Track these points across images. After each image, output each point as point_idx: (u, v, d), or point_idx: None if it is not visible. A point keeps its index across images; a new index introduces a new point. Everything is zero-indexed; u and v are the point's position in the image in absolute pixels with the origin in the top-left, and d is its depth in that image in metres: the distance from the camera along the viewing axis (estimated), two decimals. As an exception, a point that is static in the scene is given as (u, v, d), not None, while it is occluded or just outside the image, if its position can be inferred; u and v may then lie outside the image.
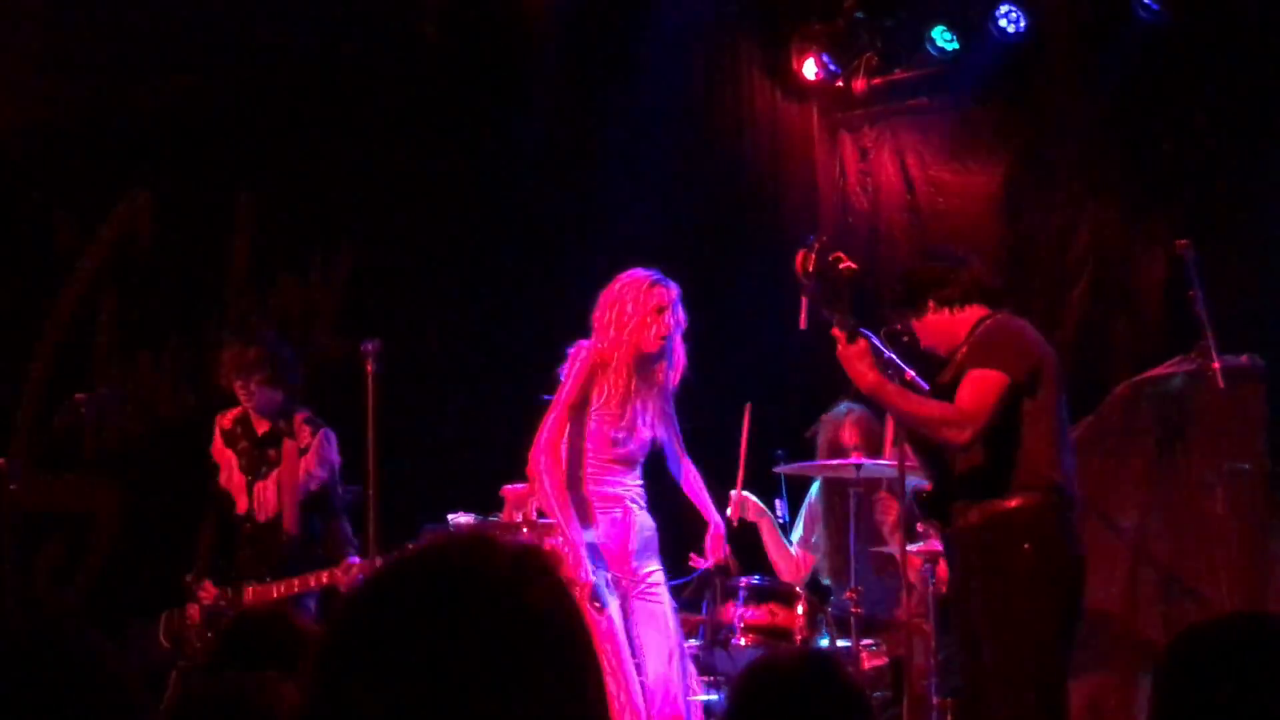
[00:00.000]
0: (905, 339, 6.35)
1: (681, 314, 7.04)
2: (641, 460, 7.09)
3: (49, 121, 10.59)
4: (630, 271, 7.07)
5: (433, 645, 1.68)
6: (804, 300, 6.72)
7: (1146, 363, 8.10)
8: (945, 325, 6.29)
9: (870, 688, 7.06)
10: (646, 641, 6.85)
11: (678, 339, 7.06)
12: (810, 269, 6.03)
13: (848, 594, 7.23)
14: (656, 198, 9.93)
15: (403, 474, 8.05)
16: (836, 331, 6.04)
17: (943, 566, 7.43)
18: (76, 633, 2.31)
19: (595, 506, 6.94)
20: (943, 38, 9.36)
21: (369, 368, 7.36)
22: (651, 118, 9.90)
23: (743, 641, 7.20)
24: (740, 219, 9.79)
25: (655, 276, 7.01)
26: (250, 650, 3.80)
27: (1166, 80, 8.63)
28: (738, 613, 7.23)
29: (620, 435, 6.98)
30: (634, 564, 6.94)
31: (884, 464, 7.35)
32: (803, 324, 6.71)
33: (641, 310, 6.95)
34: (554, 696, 1.71)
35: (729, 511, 7.60)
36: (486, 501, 7.62)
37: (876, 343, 6.24)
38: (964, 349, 6.20)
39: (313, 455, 7.95)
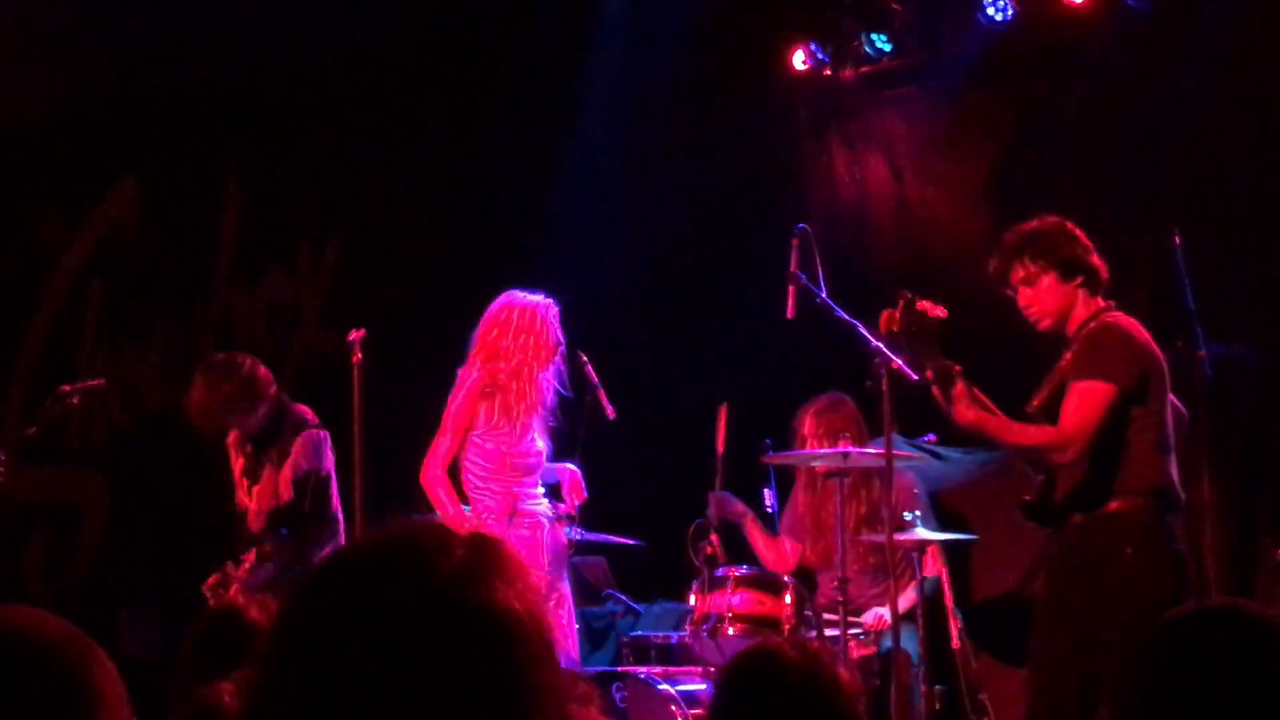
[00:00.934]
0: (896, 329, 6.31)
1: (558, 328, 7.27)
2: (537, 468, 7.27)
3: (36, 112, 10.59)
4: (512, 296, 7.28)
5: (376, 644, 1.62)
6: (791, 290, 6.77)
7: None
8: (1070, 303, 6.17)
9: (858, 677, 7.04)
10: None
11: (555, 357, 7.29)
12: (897, 328, 6.12)
13: (834, 583, 7.22)
14: (641, 188, 9.92)
15: (390, 466, 8.04)
16: (930, 374, 6.13)
17: (928, 556, 7.48)
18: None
19: (502, 524, 7.08)
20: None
21: (355, 358, 7.36)
22: (634, 110, 9.89)
23: (731, 631, 7.16)
24: (722, 210, 9.77)
25: (545, 301, 7.24)
26: (220, 649, 3.80)
27: (1154, 67, 8.62)
28: (726, 602, 7.20)
29: (519, 449, 7.19)
30: (546, 579, 7.06)
31: (871, 452, 7.33)
32: (790, 314, 6.76)
33: (540, 334, 7.17)
34: (507, 699, 1.65)
35: (709, 510, 7.60)
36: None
37: (891, 361, 6.33)
38: (1068, 353, 6.15)
39: (288, 465, 7.85)
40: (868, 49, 9.41)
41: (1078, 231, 6.27)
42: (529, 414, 7.21)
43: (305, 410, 7.93)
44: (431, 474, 7.19)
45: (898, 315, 6.13)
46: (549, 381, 7.27)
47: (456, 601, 1.65)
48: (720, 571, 7.28)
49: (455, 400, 7.20)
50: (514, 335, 7.19)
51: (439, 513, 7.15)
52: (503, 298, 7.31)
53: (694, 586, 7.31)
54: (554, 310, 7.27)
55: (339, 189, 10.51)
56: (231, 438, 7.96)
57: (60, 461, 10.76)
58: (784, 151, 9.64)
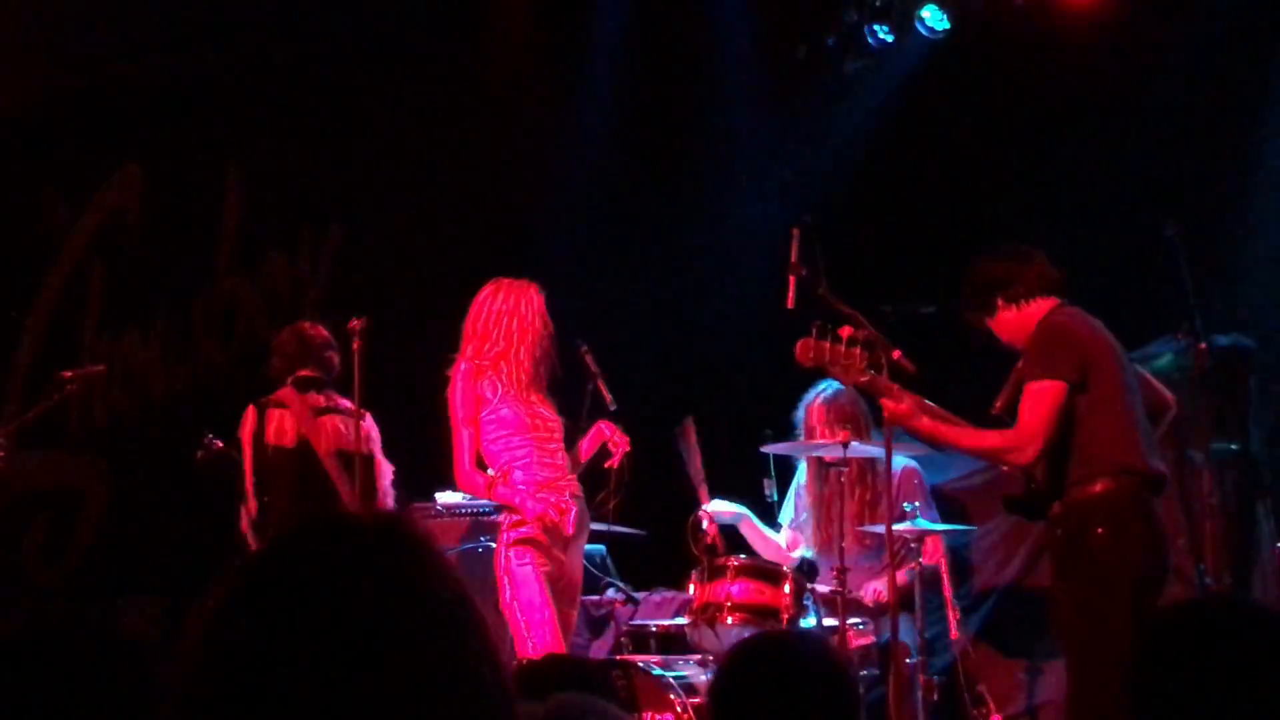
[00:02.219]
0: (892, 318, 6.38)
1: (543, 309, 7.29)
2: (561, 440, 7.23)
3: (39, 97, 10.57)
4: (495, 282, 7.32)
5: (300, 627, 1.61)
6: (791, 280, 6.78)
7: (1132, 344, 8.11)
8: (1017, 321, 6.43)
9: (857, 666, 7.08)
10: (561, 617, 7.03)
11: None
12: (809, 360, 6.34)
13: (834, 573, 7.22)
14: (640, 176, 9.92)
15: (390, 454, 8.05)
16: (883, 399, 6.36)
17: (928, 546, 7.48)
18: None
19: (536, 491, 7.09)
20: (934, 18, 9.34)
21: (355, 345, 7.36)
22: (631, 99, 9.90)
23: (730, 620, 7.15)
24: (722, 202, 9.78)
25: (527, 284, 7.28)
26: None
27: (1147, 60, 8.63)
28: (725, 591, 7.21)
29: (535, 411, 7.17)
30: (566, 551, 7.08)
31: (871, 446, 7.34)
32: (790, 304, 6.77)
33: (523, 315, 7.20)
34: (432, 662, 1.63)
35: (705, 526, 7.60)
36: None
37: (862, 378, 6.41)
38: (1024, 355, 6.35)
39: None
40: (870, 40, 9.43)
41: (990, 261, 6.51)
42: (528, 387, 7.20)
43: None
44: (463, 474, 7.18)
45: (811, 343, 6.32)
46: (541, 362, 7.25)
47: (367, 594, 1.63)
48: (719, 561, 7.28)
49: (455, 394, 7.18)
50: (496, 319, 7.20)
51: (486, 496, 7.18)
52: (487, 286, 7.32)
53: (693, 575, 7.31)
54: (535, 292, 7.27)
55: (340, 176, 10.50)
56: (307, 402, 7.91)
57: (60, 447, 10.75)
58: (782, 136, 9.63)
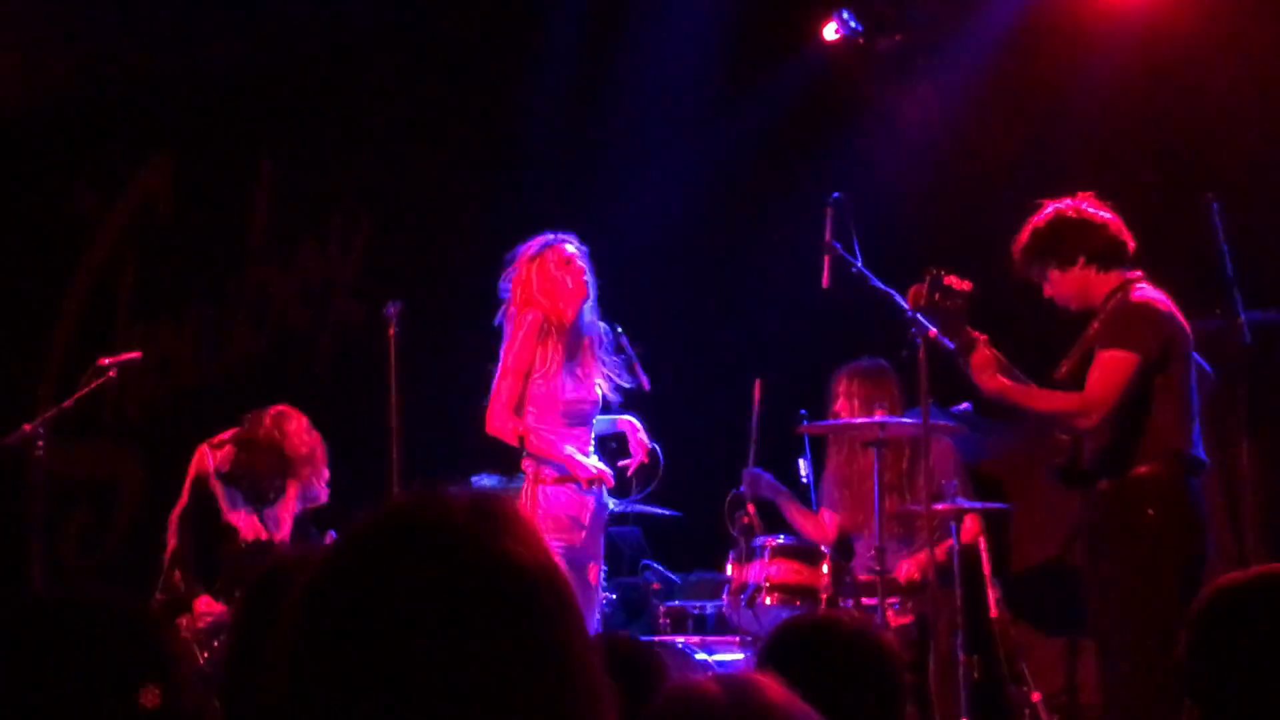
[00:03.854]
0: (923, 304, 6.36)
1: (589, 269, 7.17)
2: (593, 417, 7.13)
3: (70, 88, 10.59)
4: (543, 238, 7.18)
5: (394, 613, 1.62)
6: (826, 259, 6.79)
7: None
8: (1080, 283, 6.39)
9: (901, 648, 7.05)
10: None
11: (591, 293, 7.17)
12: (924, 303, 6.32)
13: (871, 552, 7.24)
14: (675, 158, 9.88)
15: (426, 437, 8.04)
16: (955, 346, 6.33)
17: (965, 524, 7.46)
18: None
19: (559, 473, 6.96)
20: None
21: (391, 331, 7.35)
22: (669, 78, 9.85)
23: (768, 600, 7.20)
24: (756, 179, 9.74)
25: (573, 242, 7.16)
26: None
27: (1184, 26, 8.57)
28: (763, 571, 7.21)
29: (575, 395, 7.05)
30: (584, 541, 6.95)
31: (908, 420, 7.32)
32: (825, 283, 6.78)
33: (576, 274, 7.07)
34: (531, 653, 1.64)
35: (742, 487, 7.62)
36: (511, 463, 7.61)
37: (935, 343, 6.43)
38: (1096, 323, 6.32)
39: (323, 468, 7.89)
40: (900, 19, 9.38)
41: (1083, 210, 6.42)
42: (589, 356, 7.13)
43: None
44: (499, 421, 6.98)
45: (924, 291, 6.30)
46: (595, 322, 7.18)
47: (464, 567, 1.64)
48: (757, 541, 7.31)
49: (515, 342, 7.02)
50: (551, 280, 7.08)
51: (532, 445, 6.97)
52: (534, 241, 7.21)
53: (731, 556, 7.35)
54: (582, 251, 7.18)
55: (372, 163, 10.49)
56: (220, 463, 7.77)
57: (96, 436, 10.78)
58: (818, 121, 9.58)
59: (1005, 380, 6.28)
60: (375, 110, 10.48)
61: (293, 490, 7.79)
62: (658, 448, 7.15)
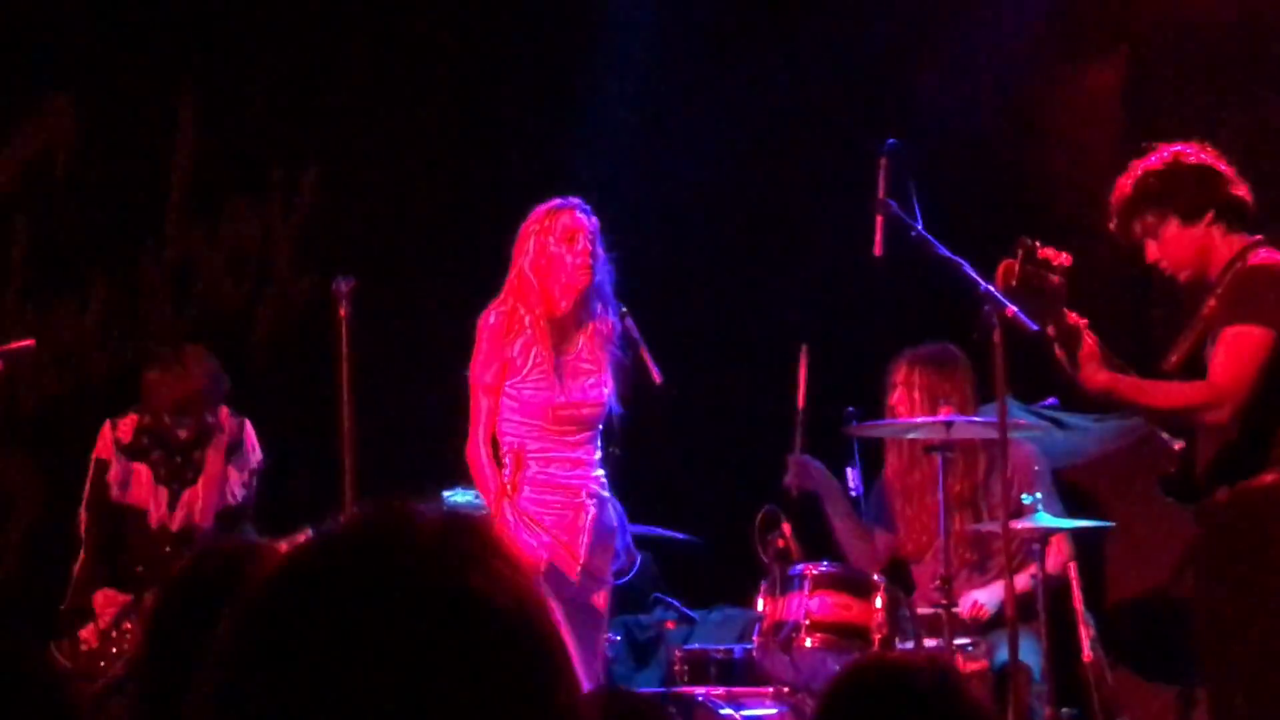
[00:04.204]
0: (1015, 282, 6.28)
1: (600, 245, 7.16)
2: (594, 424, 7.16)
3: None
4: (548, 205, 7.22)
5: (339, 662, 1.62)
6: (879, 221, 6.77)
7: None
8: (1195, 245, 6.36)
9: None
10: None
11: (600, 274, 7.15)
12: (1016, 281, 6.25)
13: (934, 581, 7.25)
14: (685, 110, 9.86)
15: (386, 443, 8.02)
16: (1052, 332, 6.30)
17: (1052, 547, 7.41)
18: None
19: (540, 498, 7.04)
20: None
21: (342, 312, 7.31)
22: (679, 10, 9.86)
23: (809, 642, 7.16)
24: (790, 129, 9.71)
25: (558, 202, 7.17)
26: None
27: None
28: (802, 606, 7.18)
29: (566, 399, 7.08)
30: (582, 565, 7.01)
31: (980, 421, 7.29)
32: (878, 250, 6.75)
33: (558, 233, 7.08)
34: (504, 714, 1.64)
35: (786, 479, 7.64)
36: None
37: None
38: (1212, 299, 6.29)
39: (252, 451, 8.21)
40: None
41: (1204, 158, 6.46)
42: (594, 350, 7.13)
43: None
44: (473, 456, 7.12)
45: (1016, 266, 6.21)
46: (604, 311, 7.15)
47: (427, 607, 1.65)
48: (795, 569, 7.27)
49: (478, 352, 7.13)
50: (549, 257, 7.09)
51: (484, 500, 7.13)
52: (541, 207, 7.23)
53: (763, 588, 7.31)
54: (571, 206, 7.15)
55: (319, 105, 10.45)
56: (126, 430, 8.19)
57: (-20, 441, 10.76)
58: (869, 61, 9.54)
59: (1113, 375, 6.25)
60: (323, 39, 10.44)
61: (214, 466, 8.05)
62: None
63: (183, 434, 8.16)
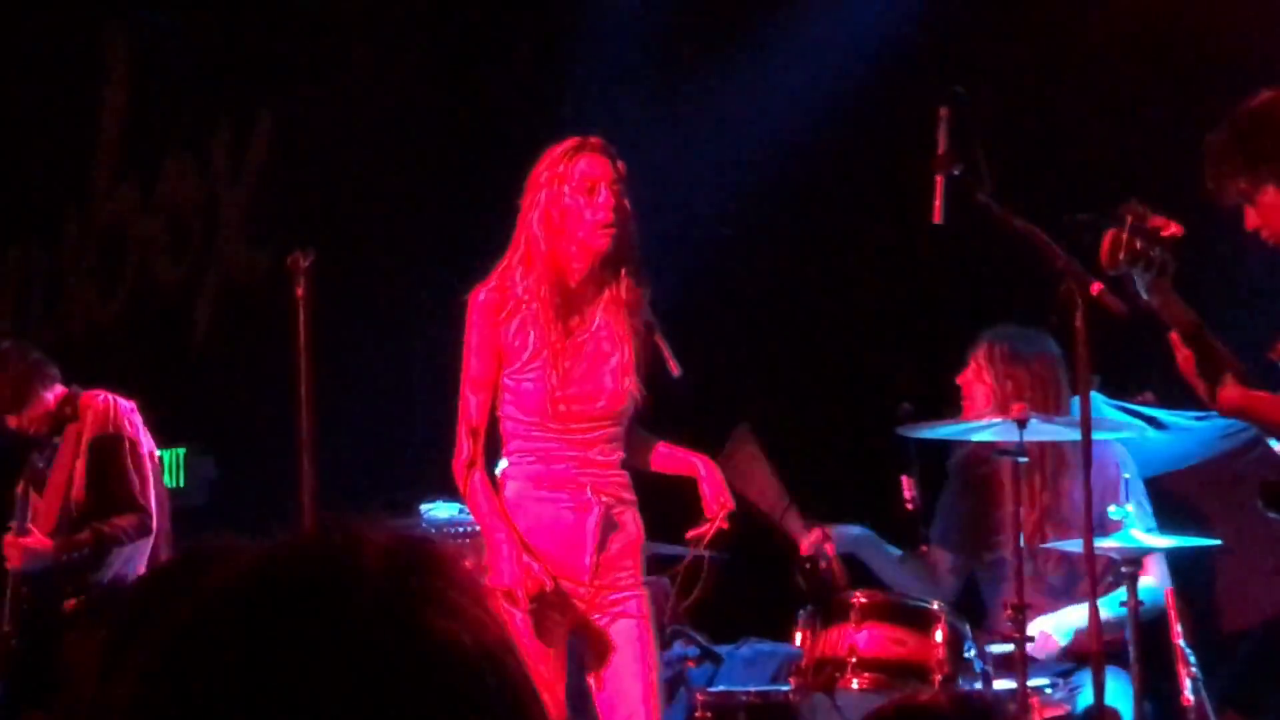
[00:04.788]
0: (1122, 259, 6.24)
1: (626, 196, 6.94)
2: (613, 418, 6.96)
3: None
4: (566, 146, 6.96)
5: (267, 710, 1.61)
6: (939, 182, 6.73)
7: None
8: None
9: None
10: (610, 679, 6.84)
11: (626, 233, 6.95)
12: (1122, 255, 6.15)
13: (1005, 613, 7.16)
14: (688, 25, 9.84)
15: (351, 444, 7.99)
16: (1175, 335, 6.27)
17: (1145, 571, 7.37)
18: None
19: (535, 498, 6.91)
20: None
21: (299, 290, 7.29)
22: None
23: (855, 683, 7.09)
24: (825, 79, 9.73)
25: (575, 142, 6.91)
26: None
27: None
28: (848, 641, 7.12)
29: (576, 390, 6.91)
30: (592, 575, 6.87)
31: (1061, 421, 7.25)
32: (937, 217, 6.71)
33: (593, 208, 6.86)
34: None
35: (803, 547, 7.63)
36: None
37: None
38: None
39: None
40: None
41: None
42: (617, 328, 6.93)
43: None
44: (455, 461, 6.95)
45: (1124, 238, 6.12)
46: (631, 281, 6.95)
47: (372, 650, 1.63)
48: (839, 597, 7.25)
49: (466, 338, 6.96)
50: (564, 211, 6.85)
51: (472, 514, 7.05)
52: (557, 147, 6.99)
53: (800, 619, 7.25)
54: (591, 147, 6.90)
55: (271, 47, 10.43)
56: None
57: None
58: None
59: (1246, 391, 6.27)
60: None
61: (64, 458, 8.64)
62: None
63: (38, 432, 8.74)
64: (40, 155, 10.86)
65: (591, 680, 6.85)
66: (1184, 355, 6.24)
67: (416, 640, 1.64)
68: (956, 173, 6.73)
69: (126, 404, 8.57)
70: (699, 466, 7.00)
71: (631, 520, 6.98)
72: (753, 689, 7.71)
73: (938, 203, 6.71)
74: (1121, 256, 6.14)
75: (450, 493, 7.45)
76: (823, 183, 9.55)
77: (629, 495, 6.98)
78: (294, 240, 7.48)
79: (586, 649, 6.87)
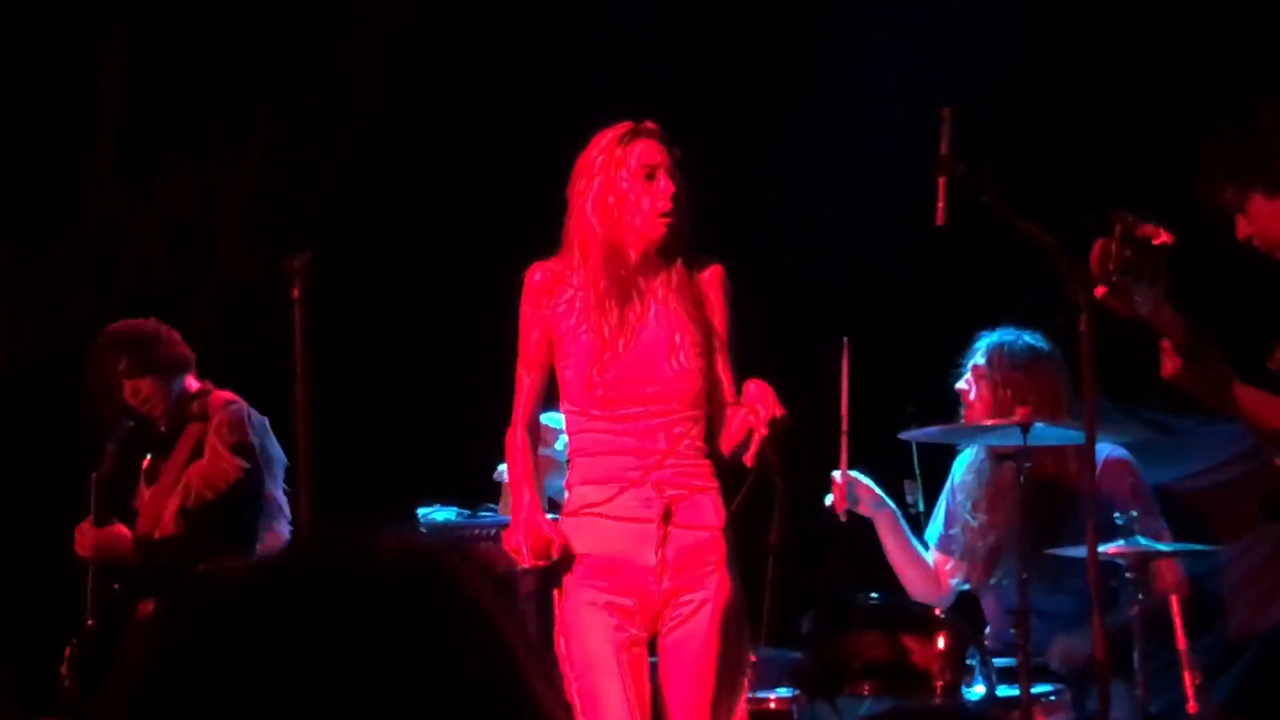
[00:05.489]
0: (1114, 268, 6.26)
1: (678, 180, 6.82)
2: (674, 403, 6.78)
3: None
4: (618, 130, 6.85)
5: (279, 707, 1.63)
6: (941, 183, 6.74)
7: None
8: None
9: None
10: (672, 696, 6.77)
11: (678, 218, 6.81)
12: (1114, 265, 6.17)
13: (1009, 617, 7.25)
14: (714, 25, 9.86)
15: (349, 448, 8.02)
16: (1167, 344, 6.31)
17: (1156, 574, 7.38)
18: None
19: (595, 514, 6.75)
20: None
21: (296, 292, 7.31)
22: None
23: (858, 690, 7.13)
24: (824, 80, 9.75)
25: (630, 127, 6.81)
26: None
27: None
28: (849, 646, 7.18)
29: (600, 376, 6.74)
30: (657, 584, 6.71)
31: (1067, 424, 7.28)
32: (940, 219, 6.71)
33: (650, 196, 6.75)
34: None
35: (829, 500, 7.67)
36: (474, 488, 7.53)
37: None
38: None
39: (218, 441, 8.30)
40: None
41: None
42: (675, 315, 6.81)
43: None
44: (508, 438, 6.91)
45: (1114, 247, 6.15)
46: (687, 269, 6.85)
47: (372, 659, 1.65)
48: (843, 603, 7.29)
49: (521, 311, 6.86)
50: (622, 197, 6.74)
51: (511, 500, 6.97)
52: (608, 132, 6.90)
53: (803, 625, 7.30)
54: (648, 132, 6.81)
55: (270, 43, 10.45)
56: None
57: None
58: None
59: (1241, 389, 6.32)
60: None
61: (181, 451, 8.33)
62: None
63: (160, 429, 8.51)
64: (35, 152, 10.87)
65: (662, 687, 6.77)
66: (1172, 364, 6.28)
67: (419, 651, 1.66)
68: (960, 174, 6.80)
69: (259, 418, 8.39)
70: (750, 391, 6.71)
71: (709, 509, 6.78)
72: (755, 695, 7.46)
73: (940, 205, 6.69)
74: (1112, 266, 6.17)
75: (447, 495, 7.48)
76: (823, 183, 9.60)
77: (701, 482, 6.78)
78: (291, 240, 7.50)
79: (659, 655, 6.78)
